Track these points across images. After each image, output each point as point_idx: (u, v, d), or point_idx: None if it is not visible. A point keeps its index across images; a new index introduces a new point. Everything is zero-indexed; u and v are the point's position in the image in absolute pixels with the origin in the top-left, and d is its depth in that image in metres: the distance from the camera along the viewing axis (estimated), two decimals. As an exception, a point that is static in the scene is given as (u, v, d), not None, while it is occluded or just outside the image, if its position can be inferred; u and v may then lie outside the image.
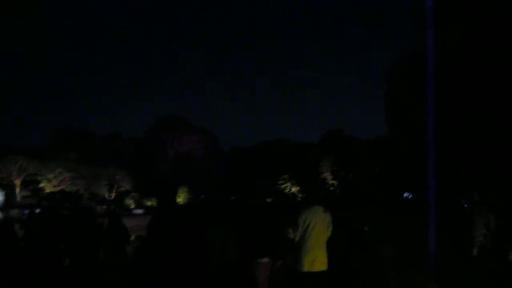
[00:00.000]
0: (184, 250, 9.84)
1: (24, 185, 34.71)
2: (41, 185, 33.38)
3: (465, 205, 9.19)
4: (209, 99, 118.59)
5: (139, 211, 32.30)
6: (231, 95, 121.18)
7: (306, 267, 5.81)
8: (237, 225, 8.05)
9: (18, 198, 33.63)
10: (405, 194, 15.76)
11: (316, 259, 5.84)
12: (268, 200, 9.00)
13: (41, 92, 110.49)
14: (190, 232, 9.84)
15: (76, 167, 35.44)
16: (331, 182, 36.02)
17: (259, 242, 6.58)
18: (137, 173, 42.34)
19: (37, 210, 15.28)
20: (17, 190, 34.25)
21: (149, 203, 36.62)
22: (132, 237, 13.15)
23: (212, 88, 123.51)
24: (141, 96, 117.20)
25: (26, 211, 17.87)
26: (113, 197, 35.89)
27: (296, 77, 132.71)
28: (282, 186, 38.60)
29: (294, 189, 37.69)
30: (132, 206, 35.40)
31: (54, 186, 32.64)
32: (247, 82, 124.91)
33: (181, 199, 38.80)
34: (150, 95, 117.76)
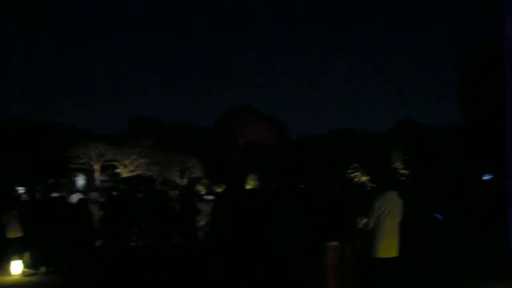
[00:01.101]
0: (250, 232, 10.01)
1: (102, 170, 36.66)
2: (118, 170, 35.11)
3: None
4: (278, 88, 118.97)
5: (209, 197, 33.10)
6: (300, 83, 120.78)
7: (381, 253, 5.77)
8: (305, 210, 8.10)
9: (97, 182, 35.59)
10: (486, 176, 15.18)
11: (390, 245, 5.80)
12: (336, 188, 8.97)
13: (117, 84, 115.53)
14: (257, 215, 9.98)
15: (151, 153, 36.93)
16: (402, 172, 35.20)
17: (328, 227, 6.61)
18: (207, 161, 43.36)
19: (114, 193, 16.06)
20: (96, 174, 36.26)
21: (218, 190, 37.41)
22: (203, 222, 13.58)
23: (281, 77, 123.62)
24: (211, 86, 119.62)
25: (104, 194, 18.84)
26: (184, 183, 37.01)
27: (364, 65, 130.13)
28: (352, 175, 38.16)
29: (363, 179, 37.15)
30: (203, 192, 36.32)
31: (130, 171, 34.22)
32: (316, 71, 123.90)
33: (250, 186, 39.34)
34: (220, 85, 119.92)
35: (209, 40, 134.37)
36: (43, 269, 10.78)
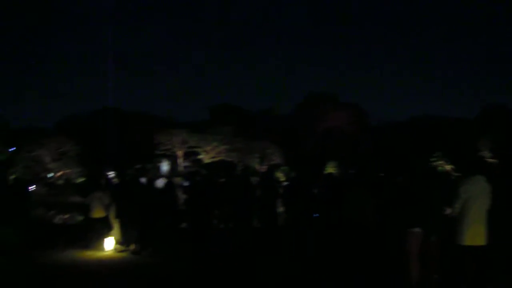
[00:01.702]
0: (323, 216, 10.00)
1: (185, 156, 37.95)
2: (200, 156, 36.20)
3: None
4: (358, 73, 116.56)
5: (285, 184, 33.04)
6: (380, 68, 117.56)
7: (467, 241, 5.58)
8: (386, 196, 7.98)
9: (181, 167, 36.92)
10: None
11: (477, 233, 5.59)
12: (418, 175, 8.73)
13: (199, 71, 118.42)
14: (333, 199, 9.95)
15: (231, 140, 37.69)
16: (490, 160, 33.41)
17: (411, 213, 6.48)
18: (286, 148, 43.50)
19: (197, 178, 16.49)
20: (180, 160, 37.62)
21: (293, 176, 37.27)
22: (281, 208, 13.65)
23: (360, 62, 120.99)
24: (291, 73, 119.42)
25: (188, 179, 19.47)
26: (264, 169, 37.41)
27: (445, 48, 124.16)
28: (435, 164, 36.70)
29: (447, 167, 35.63)
30: (282, 179, 36.48)
31: (211, 158, 35.19)
32: (396, 56, 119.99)
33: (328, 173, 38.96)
34: (299, 72, 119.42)
35: (288, 29, 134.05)
36: (132, 246, 11.45)
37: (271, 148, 40.44)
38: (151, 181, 13.54)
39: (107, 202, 12.29)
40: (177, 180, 26.49)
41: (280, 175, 40.00)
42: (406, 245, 6.26)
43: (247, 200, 12.53)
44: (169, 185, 12.82)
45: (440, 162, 37.17)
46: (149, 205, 12.00)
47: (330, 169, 45.55)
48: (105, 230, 11.87)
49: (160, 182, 13.83)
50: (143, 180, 13.64)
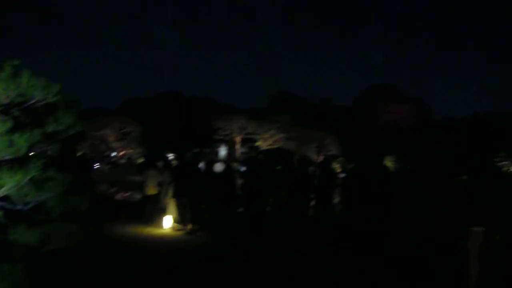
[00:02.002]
0: (378, 209, 9.87)
1: (243, 142, 38.26)
2: (257, 143, 36.36)
3: None
4: (422, 67, 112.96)
5: (343, 175, 32.73)
6: (444, 63, 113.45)
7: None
8: (446, 193, 7.77)
9: (238, 153, 37.30)
10: None
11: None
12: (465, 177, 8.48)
13: (259, 58, 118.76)
14: (388, 193, 9.80)
15: (289, 129, 37.54)
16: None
17: (472, 212, 6.32)
18: (344, 139, 42.94)
19: (254, 164, 16.64)
20: (237, 146, 38.00)
21: (351, 168, 36.78)
22: (336, 199, 13.60)
23: (423, 56, 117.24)
24: (351, 64, 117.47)
25: (244, 165, 19.67)
26: (320, 160, 37.19)
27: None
28: (499, 164, 35.08)
29: (512, 168, 33.98)
30: (338, 170, 36.16)
31: (268, 145, 35.27)
32: (462, 49, 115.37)
33: (386, 167, 38.19)
34: (360, 63, 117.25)
35: (350, 18, 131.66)
36: (189, 226, 11.76)
37: (328, 139, 40.02)
38: (209, 165, 13.81)
39: (161, 180, 12.75)
40: (234, 165, 26.89)
41: (337, 166, 39.73)
42: (466, 244, 6.12)
43: (303, 189, 12.55)
44: (227, 169, 13.04)
45: (505, 163, 35.55)
46: (207, 188, 12.28)
47: (389, 162, 44.66)
48: (159, 207, 12.32)
49: (218, 167, 14.06)
50: (201, 163, 13.95)
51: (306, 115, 47.64)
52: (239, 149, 39.26)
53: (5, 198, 3.83)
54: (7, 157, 3.64)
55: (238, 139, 39.67)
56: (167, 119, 39.43)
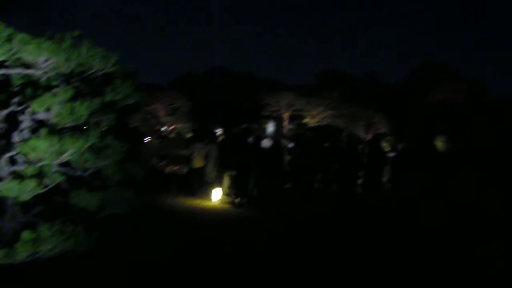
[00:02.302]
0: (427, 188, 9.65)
1: (291, 119, 38.19)
2: (305, 120, 36.21)
3: None
4: (476, 45, 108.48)
5: (392, 154, 32.19)
6: (499, 41, 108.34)
7: None
8: (495, 177, 7.52)
9: (285, 130, 37.32)
10: None
11: None
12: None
13: (308, 35, 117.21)
14: (435, 173, 9.56)
15: (337, 106, 37.15)
16: None
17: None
18: (393, 117, 42.04)
19: (303, 141, 16.57)
20: (285, 123, 38.00)
21: (400, 147, 36.06)
22: (385, 178, 13.42)
23: (477, 34, 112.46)
24: (402, 41, 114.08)
25: (292, 141, 19.61)
26: (369, 138, 36.69)
27: None
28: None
29: None
30: (387, 149, 35.59)
31: (316, 122, 35.07)
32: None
33: (436, 146, 37.25)
34: (411, 40, 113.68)
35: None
36: (238, 199, 11.94)
37: (377, 117, 39.31)
38: (257, 140, 13.90)
39: (208, 154, 12.99)
40: (282, 142, 26.95)
41: (386, 145, 39.08)
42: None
43: (351, 167, 12.44)
44: (276, 145, 13.08)
45: None
46: (255, 162, 12.39)
47: (439, 143, 43.39)
48: (207, 180, 12.55)
49: (266, 142, 14.12)
50: (249, 139, 14.05)
51: (355, 93, 46.88)
52: (286, 125, 39.30)
53: (67, 164, 4.01)
54: (69, 125, 3.80)
55: (286, 115, 39.67)
56: (215, 94, 39.75)
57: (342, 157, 12.73)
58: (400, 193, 10.88)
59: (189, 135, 22.26)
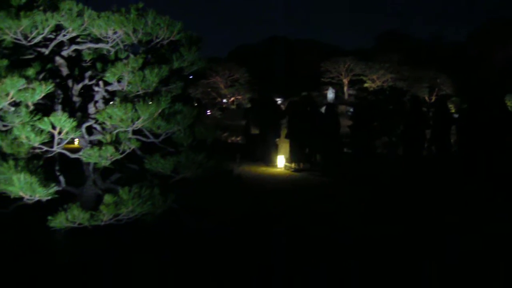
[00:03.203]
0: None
1: (350, 84, 37.62)
2: (366, 85, 35.54)
3: None
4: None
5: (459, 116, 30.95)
6: None
7: None
8: None
9: (346, 96, 36.84)
10: None
11: None
12: None
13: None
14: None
15: (398, 68, 36.16)
16: None
17: None
18: (458, 78, 40.36)
19: (363, 105, 16.29)
20: (345, 88, 37.48)
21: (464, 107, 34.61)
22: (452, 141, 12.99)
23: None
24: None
25: (353, 106, 19.35)
26: (433, 100, 35.49)
27: None
28: None
29: None
30: (452, 110, 34.32)
31: (377, 86, 34.29)
32: None
33: (506, 107, 35.47)
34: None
35: None
36: (301, 165, 12.05)
37: (441, 78, 37.89)
38: (317, 108, 13.86)
39: (270, 123, 13.10)
40: (342, 108, 26.61)
41: (451, 106, 37.64)
42: None
43: (416, 130, 12.16)
44: (331, 111, 12.95)
45: None
46: (316, 129, 12.38)
47: (509, 102, 41.32)
48: (268, 147, 12.71)
49: (326, 108, 14.04)
50: (309, 106, 14.00)
51: (416, 54, 45.24)
52: (346, 91, 38.72)
53: (140, 131, 4.18)
54: (140, 92, 3.95)
55: (345, 81, 39.07)
56: (273, 64, 39.69)
57: (406, 120, 12.45)
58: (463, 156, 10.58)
59: (249, 105, 22.46)
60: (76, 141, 4.77)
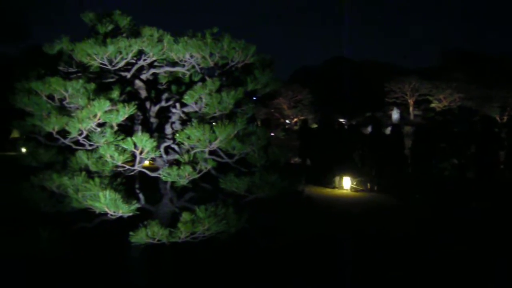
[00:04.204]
0: None
1: (416, 104, 36.58)
2: (432, 105, 34.44)
3: None
4: None
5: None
6: None
7: None
8: None
9: (411, 116, 35.83)
10: None
11: None
12: None
13: (429, 17, 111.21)
14: None
15: (466, 87, 34.79)
16: None
17: None
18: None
19: (430, 126, 15.87)
20: (410, 109, 36.48)
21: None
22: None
23: None
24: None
25: (418, 127, 18.87)
26: (505, 120, 33.96)
27: None
28: None
29: None
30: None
31: (444, 106, 33.16)
32: None
33: None
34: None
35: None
36: (365, 186, 11.87)
37: (514, 97, 36.10)
38: (381, 128, 13.68)
39: (335, 144, 12.98)
40: (407, 129, 26.00)
41: (524, 127, 35.70)
42: None
43: (489, 151, 11.73)
44: (396, 132, 12.73)
45: None
46: (381, 150, 12.19)
47: None
48: (336, 169, 12.58)
49: (390, 129, 13.81)
50: (374, 127, 13.83)
51: (485, 72, 43.29)
52: (412, 111, 37.69)
53: (214, 152, 4.29)
54: (217, 113, 4.07)
55: (411, 101, 38.06)
56: (336, 84, 39.43)
57: (478, 141, 12.01)
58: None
59: (314, 126, 22.43)
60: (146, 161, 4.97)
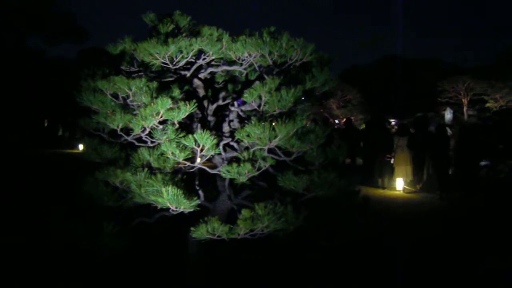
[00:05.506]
0: None
1: (470, 104, 35.46)
2: (487, 105, 33.26)
3: None
4: None
5: None
6: None
7: None
8: None
9: (465, 116, 34.76)
10: None
11: None
12: None
13: (487, 15, 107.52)
14: None
15: (525, 87, 33.48)
16: None
17: None
18: None
19: (489, 127, 15.38)
20: (464, 109, 35.38)
21: None
22: None
23: None
24: None
25: (474, 128, 18.26)
26: None
27: None
28: None
29: None
30: None
31: (500, 106, 31.96)
32: None
33: None
34: None
35: None
36: (417, 187, 11.65)
37: None
38: (431, 128, 13.39)
39: (385, 144, 12.76)
40: (450, 129, 25.25)
41: None
42: None
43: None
44: (441, 131, 12.35)
45: None
46: (431, 151, 11.95)
47: None
48: (387, 169, 12.37)
49: (435, 130, 13.44)
50: (429, 128, 13.56)
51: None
52: (466, 112, 36.52)
53: (271, 149, 4.32)
54: (277, 111, 4.10)
55: (465, 100, 36.87)
56: (387, 84, 38.78)
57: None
58: None
59: (363, 126, 22.14)
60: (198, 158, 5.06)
